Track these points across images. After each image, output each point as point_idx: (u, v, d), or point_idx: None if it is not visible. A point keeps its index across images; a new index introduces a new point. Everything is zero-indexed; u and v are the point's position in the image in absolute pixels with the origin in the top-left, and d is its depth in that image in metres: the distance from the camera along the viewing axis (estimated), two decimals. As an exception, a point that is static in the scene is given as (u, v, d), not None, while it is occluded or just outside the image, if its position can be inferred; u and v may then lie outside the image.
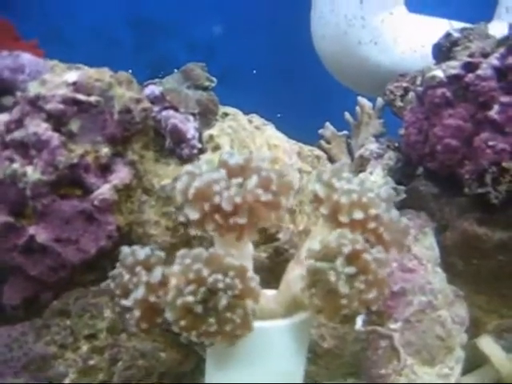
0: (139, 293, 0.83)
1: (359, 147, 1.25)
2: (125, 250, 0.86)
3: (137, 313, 0.84)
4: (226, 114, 1.16)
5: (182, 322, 0.80)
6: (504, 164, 1.02)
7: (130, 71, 1.05)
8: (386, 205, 0.89)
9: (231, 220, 0.81)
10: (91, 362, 0.95)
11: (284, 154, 1.13)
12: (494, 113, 1.02)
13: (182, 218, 0.90)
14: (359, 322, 1.05)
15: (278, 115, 1.28)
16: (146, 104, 0.93)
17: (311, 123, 1.39)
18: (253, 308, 0.81)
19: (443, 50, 1.12)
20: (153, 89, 1.04)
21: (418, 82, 1.10)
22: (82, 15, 2.17)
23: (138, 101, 0.91)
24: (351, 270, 0.81)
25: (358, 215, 0.85)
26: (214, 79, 1.11)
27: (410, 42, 1.44)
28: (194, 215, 0.83)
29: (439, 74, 1.03)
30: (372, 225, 0.86)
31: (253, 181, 0.82)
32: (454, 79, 1.04)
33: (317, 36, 1.51)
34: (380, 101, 1.33)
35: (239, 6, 2.16)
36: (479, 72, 1.03)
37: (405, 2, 1.55)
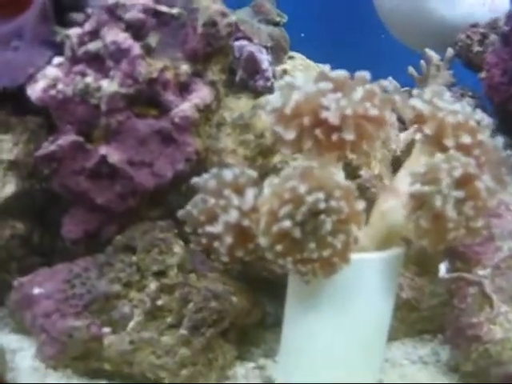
0: (232, 216, 0.75)
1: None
2: (198, 179, 0.78)
3: (228, 239, 0.76)
4: (292, 57, 1.11)
5: (278, 247, 0.72)
6: None
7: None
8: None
9: (334, 136, 0.74)
10: (159, 303, 0.87)
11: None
12: None
13: (269, 141, 0.83)
14: (442, 269, 0.99)
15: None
16: (232, 18, 0.86)
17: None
18: (356, 235, 0.73)
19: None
20: (227, 17, 0.98)
21: (501, 24, 1.05)
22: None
23: (224, 14, 0.85)
24: (460, 194, 0.74)
25: (466, 139, 0.78)
26: (285, 15, 1.06)
27: (478, -5, 1.40)
28: (289, 134, 0.75)
29: (530, 9, 0.98)
30: (476, 151, 0.80)
31: (358, 93, 0.75)
32: (545, 15, 0.99)
33: (377, -9, 1.46)
34: (450, 51, 1.27)
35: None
36: None
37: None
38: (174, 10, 0.83)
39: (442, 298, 1.00)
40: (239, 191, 0.76)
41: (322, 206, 0.70)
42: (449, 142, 0.78)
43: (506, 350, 0.86)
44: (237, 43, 0.97)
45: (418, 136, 0.81)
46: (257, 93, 0.96)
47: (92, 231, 0.89)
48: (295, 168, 0.73)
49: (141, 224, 0.89)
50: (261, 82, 0.96)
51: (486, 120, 0.82)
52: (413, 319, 1.00)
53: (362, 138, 0.76)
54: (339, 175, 0.79)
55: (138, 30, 0.82)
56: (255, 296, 0.97)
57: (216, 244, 0.76)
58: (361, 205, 0.73)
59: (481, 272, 0.92)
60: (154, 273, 0.87)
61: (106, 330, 0.87)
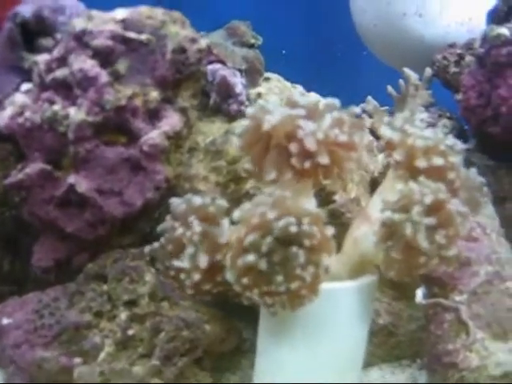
0: (201, 261, 0.73)
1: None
2: (175, 201, 0.77)
3: (196, 276, 0.73)
4: (267, 79, 1.10)
5: (244, 281, 0.70)
6: None
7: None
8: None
9: (307, 163, 0.73)
10: (131, 332, 0.85)
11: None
12: None
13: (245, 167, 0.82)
14: (419, 294, 0.97)
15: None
16: (203, 45, 0.85)
17: (349, 102, 1.33)
18: (326, 265, 0.72)
19: (500, 15, 1.07)
20: (199, 41, 0.97)
21: (477, 45, 1.04)
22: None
23: (194, 40, 0.84)
24: (431, 221, 0.73)
25: (438, 161, 0.77)
26: (260, 37, 1.05)
27: (456, 14, 1.39)
28: (270, 175, 0.74)
29: (505, 32, 0.97)
30: (451, 175, 0.79)
31: (326, 121, 0.74)
32: (520, 37, 0.98)
33: (357, 10, 1.45)
34: (428, 71, 1.26)
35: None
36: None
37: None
38: (143, 37, 0.81)
39: (420, 322, 0.98)
40: (209, 221, 0.74)
41: (294, 229, 0.68)
42: (420, 163, 0.77)
43: (483, 377, 0.85)
44: (210, 67, 0.96)
45: (391, 161, 0.80)
46: (230, 117, 0.95)
47: (62, 260, 0.87)
48: (270, 195, 0.72)
49: (112, 252, 0.88)
50: (234, 106, 0.95)
51: (459, 145, 0.82)
52: (391, 344, 0.99)
53: (333, 163, 0.75)
54: (310, 203, 0.78)
55: (106, 57, 0.81)
56: (231, 322, 0.96)
57: (182, 276, 0.75)
58: (330, 231, 0.72)
59: (457, 298, 0.91)
60: (124, 302, 0.86)
61: (77, 360, 0.85)
